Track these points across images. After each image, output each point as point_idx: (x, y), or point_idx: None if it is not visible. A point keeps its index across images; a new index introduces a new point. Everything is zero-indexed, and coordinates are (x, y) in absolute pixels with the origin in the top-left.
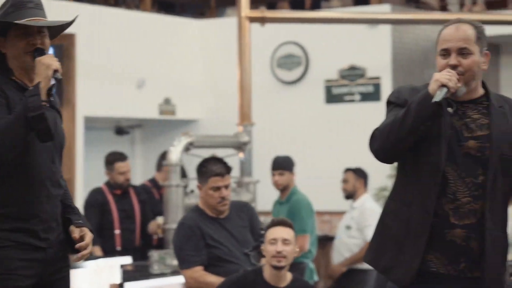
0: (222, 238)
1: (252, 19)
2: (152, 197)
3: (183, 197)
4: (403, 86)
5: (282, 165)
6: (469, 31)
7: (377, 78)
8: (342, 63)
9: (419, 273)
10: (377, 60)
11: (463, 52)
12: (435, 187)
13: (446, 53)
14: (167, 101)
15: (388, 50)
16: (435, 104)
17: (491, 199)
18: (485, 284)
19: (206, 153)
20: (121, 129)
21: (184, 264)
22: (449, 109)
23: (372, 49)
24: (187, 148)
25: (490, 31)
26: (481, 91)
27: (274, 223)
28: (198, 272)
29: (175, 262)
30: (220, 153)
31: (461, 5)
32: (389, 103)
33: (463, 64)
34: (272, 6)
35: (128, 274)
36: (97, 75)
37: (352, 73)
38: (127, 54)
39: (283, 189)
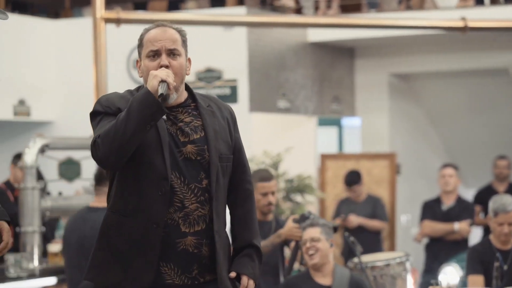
0: None
1: (108, 20)
2: (6, 200)
3: (39, 200)
4: (108, 95)
5: None
6: (176, 34)
7: (234, 80)
8: (199, 65)
9: (154, 286)
10: (234, 62)
11: (173, 53)
12: (164, 196)
13: (155, 54)
14: (21, 102)
15: (245, 53)
16: (159, 100)
17: (216, 201)
18: (220, 285)
19: (62, 155)
20: None
21: None
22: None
23: (229, 51)
24: (43, 150)
25: (345, 34)
26: (185, 94)
27: None
28: None
29: (31, 265)
30: (76, 155)
31: (316, 8)
32: (97, 113)
33: (173, 65)
34: (141, 6)
35: None
36: None
37: (209, 75)
38: None
39: None
